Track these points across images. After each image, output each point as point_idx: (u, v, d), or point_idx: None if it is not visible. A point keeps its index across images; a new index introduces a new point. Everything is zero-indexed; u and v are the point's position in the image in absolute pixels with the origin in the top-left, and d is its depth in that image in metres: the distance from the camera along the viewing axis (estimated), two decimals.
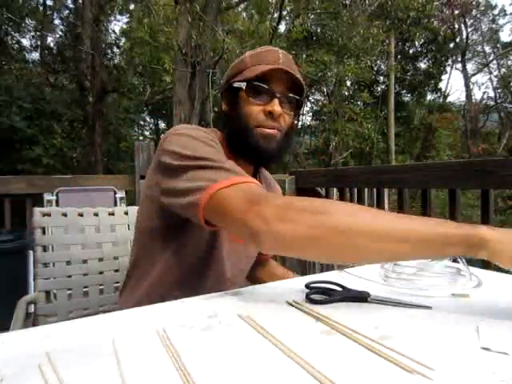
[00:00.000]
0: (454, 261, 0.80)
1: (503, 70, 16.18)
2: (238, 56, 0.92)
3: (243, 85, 0.82)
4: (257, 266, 1.10)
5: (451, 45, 14.83)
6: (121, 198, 2.46)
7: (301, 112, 0.92)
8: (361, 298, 0.63)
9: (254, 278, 1.12)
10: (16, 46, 9.79)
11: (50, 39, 10.64)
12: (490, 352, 0.45)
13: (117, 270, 1.14)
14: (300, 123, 14.77)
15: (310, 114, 14.94)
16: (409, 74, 14.20)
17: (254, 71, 0.81)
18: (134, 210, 1.20)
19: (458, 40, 14.98)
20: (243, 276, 1.00)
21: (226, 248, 0.88)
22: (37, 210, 1.06)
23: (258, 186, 0.69)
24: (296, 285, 0.71)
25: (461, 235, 0.54)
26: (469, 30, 15.26)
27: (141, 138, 13.18)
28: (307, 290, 0.66)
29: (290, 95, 0.84)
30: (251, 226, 0.61)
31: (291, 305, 0.62)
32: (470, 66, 17.04)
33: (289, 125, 0.86)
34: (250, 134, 0.81)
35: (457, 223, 0.57)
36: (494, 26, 16.03)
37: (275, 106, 0.80)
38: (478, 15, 15.62)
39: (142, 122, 13.29)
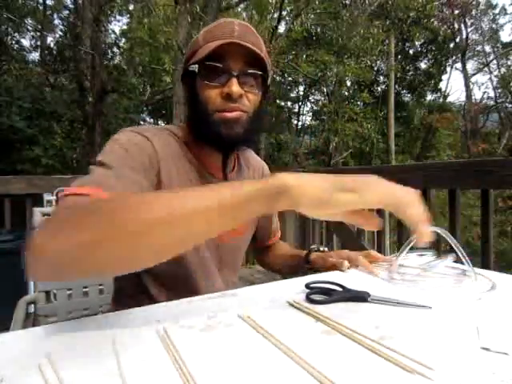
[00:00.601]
0: (456, 261, 0.80)
1: (503, 69, 16.18)
2: None
3: (196, 67, 0.73)
4: (263, 251, 1.12)
5: (451, 45, 14.84)
6: None
7: (268, 86, 0.82)
8: (361, 298, 0.63)
9: (263, 263, 1.15)
10: (16, 46, 9.80)
11: (50, 39, 10.66)
12: (490, 352, 0.45)
13: None
14: (300, 123, 14.80)
15: (310, 113, 14.97)
16: (409, 74, 14.21)
17: (206, 50, 0.71)
18: None
19: (457, 40, 14.98)
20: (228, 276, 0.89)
21: (193, 261, 0.79)
22: (37, 210, 1.06)
23: (82, 200, 0.54)
24: (296, 285, 0.71)
25: (259, 188, 0.48)
26: (469, 29, 15.27)
27: None
28: (307, 290, 0.66)
29: (251, 71, 0.74)
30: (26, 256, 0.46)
31: (291, 305, 0.62)
32: (470, 66, 17.07)
33: (256, 104, 0.77)
34: (209, 121, 0.73)
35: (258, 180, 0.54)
36: (494, 25, 16.05)
37: (233, 87, 0.71)
38: (479, 15, 15.62)
39: (141, 122, 13.30)
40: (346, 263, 0.84)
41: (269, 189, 0.48)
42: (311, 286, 0.68)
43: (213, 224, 0.47)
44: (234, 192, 0.47)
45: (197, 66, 0.73)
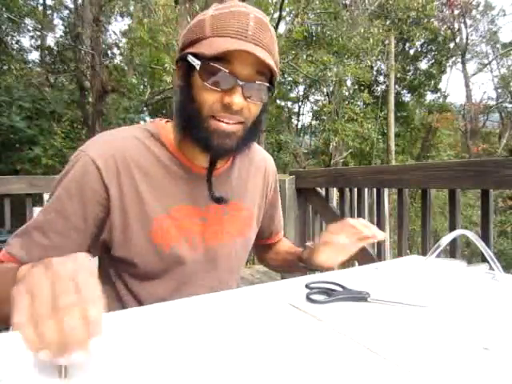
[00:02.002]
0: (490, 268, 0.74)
1: (503, 70, 16.20)
2: None
3: (197, 64, 0.65)
4: (264, 248, 1.10)
5: (451, 45, 14.84)
6: None
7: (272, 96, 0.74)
8: (361, 297, 0.63)
9: (262, 259, 1.13)
10: (16, 46, 9.79)
11: (50, 39, 10.65)
12: (490, 352, 0.45)
13: None
14: (300, 123, 14.81)
15: (310, 113, 14.97)
16: (409, 74, 14.21)
17: (213, 47, 0.62)
18: None
19: (457, 40, 14.98)
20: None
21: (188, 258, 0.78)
22: (37, 210, 1.06)
23: None
24: (296, 285, 0.71)
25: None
26: (469, 30, 15.28)
27: None
28: (307, 290, 0.66)
29: (258, 82, 0.66)
30: None
31: (292, 305, 0.62)
32: (471, 66, 17.09)
33: (256, 113, 0.71)
34: (202, 126, 0.67)
35: None
36: (493, 26, 16.07)
37: (235, 98, 0.64)
38: (478, 16, 15.65)
39: (142, 122, 13.30)
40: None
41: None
42: (311, 286, 0.68)
43: None
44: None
45: (199, 62, 0.65)
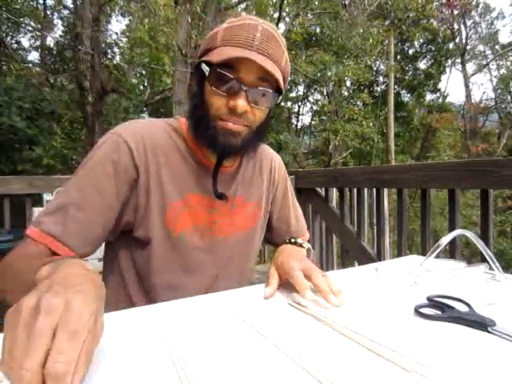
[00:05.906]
0: (490, 268, 0.73)
1: (502, 70, 16.20)
2: None
3: (207, 70, 0.71)
4: None
5: (450, 45, 14.84)
6: None
7: (281, 101, 0.80)
8: (481, 324, 0.53)
9: None
10: (16, 46, 9.78)
11: (49, 39, 10.64)
12: (490, 352, 0.45)
13: None
14: (300, 123, 14.80)
15: (310, 114, 14.97)
16: (408, 74, 14.21)
17: (220, 54, 0.68)
18: None
19: (457, 40, 14.98)
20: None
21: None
22: (37, 210, 1.06)
23: (29, 251, 0.66)
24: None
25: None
26: (468, 30, 15.28)
27: None
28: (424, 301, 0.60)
29: (261, 88, 0.71)
30: None
31: (291, 305, 0.62)
32: (471, 66, 17.08)
33: (262, 118, 0.75)
34: (210, 125, 0.72)
35: None
36: (492, 28, 16.09)
37: (239, 101, 0.68)
38: (477, 18, 15.67)
39: None
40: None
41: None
42: (433, 298, 0.61)
43: None
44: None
45: (208, 69, 0.70)
